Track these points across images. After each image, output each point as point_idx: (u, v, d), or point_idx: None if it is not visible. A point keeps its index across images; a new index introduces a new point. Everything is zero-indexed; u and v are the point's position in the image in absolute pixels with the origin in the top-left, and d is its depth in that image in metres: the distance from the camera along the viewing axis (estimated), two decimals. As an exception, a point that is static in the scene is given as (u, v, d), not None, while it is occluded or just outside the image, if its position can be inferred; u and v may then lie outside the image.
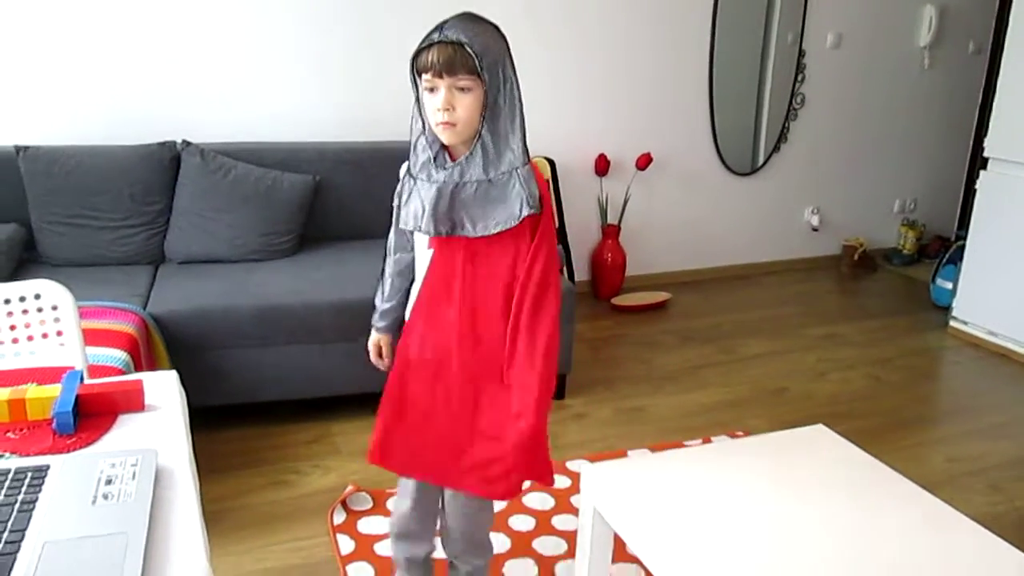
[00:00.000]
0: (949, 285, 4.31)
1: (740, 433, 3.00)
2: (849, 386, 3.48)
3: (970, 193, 4.11)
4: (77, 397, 1.22)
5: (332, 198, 3.44)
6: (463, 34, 1.47)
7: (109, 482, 1.03)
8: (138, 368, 2.41)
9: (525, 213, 1.52)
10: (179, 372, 2.58)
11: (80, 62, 3.33)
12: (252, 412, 2.96)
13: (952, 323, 4.13)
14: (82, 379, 1.28)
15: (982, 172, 3.98)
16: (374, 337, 1.91)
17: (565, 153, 4.16)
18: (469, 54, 1.46)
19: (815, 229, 5.08)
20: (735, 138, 4.73)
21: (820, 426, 1.97)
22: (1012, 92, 3.82)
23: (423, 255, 1.68)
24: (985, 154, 3.95)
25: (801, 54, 4.73)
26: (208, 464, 2.56)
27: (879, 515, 1.61)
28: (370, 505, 2.49)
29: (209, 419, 2.81)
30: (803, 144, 4.90)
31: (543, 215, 1.56)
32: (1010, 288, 3.84)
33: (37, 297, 1.67)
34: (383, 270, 1.86)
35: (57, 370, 1.58)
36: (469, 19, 1.52)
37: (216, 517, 2.38)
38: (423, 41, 1.51)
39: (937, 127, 5.31)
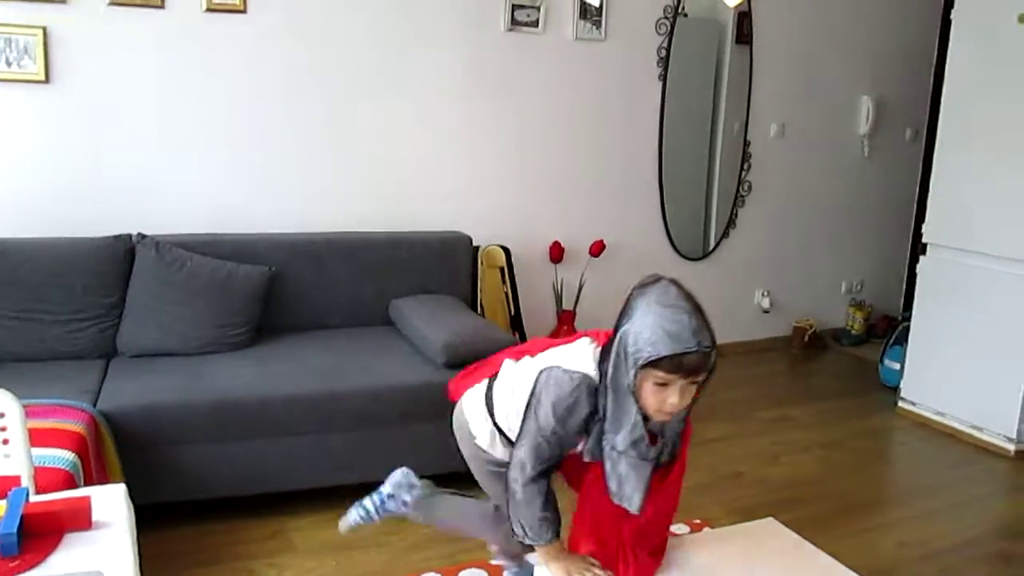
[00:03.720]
0: (897, 366, 4.41)
1: (697, 522, 3.01)
2: (801, 469, 3.53)
3: (913, 274, 4.25)
4: (22, 517, 1.20)
5: (288, 289, 3.45)
6: (712, 338, 1.57)
7: (53, 609, 1.02)
8: (86, 468, 2.36)
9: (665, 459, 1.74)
10: (129, 469, 2.55)
11: (33, 155, 3.35)
12: (206, 508, 2.90)
13: (900, 403, 4.22)
14: (28, 496, 1.27)
15: (921, 257, 4.12)
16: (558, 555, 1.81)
17: (520, 241, 4.24)
18: (713, 359, 1.58)
19: (766, 311, 5.19)
20: (686, 224, 4.86)
21: (770, 519, 2.01)
22: (946, 180, 3.99)
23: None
24: (924, 240, 4.10)
25: (747, 143, 4.91)
26: (160, 564, 2.50)
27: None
28: (324, 606, 2.44)
29: (162, 516, 2.75)
30: (752, 229, 5.05)
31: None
32: (955, 369, 3.95)
33: (-17, 405, 1.65)
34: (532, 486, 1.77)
35: (1, 480, 1.56)
36: (708, 321, 1.61)
37: (164, 623, 2.32)
38: (691, 345, 1.54)
39: (880, 211, 5.51)
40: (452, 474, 3.04)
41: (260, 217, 3.69)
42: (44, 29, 3.26)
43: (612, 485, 1.65)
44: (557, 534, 1.80)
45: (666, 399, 1.55)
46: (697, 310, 1.59)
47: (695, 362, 1.53)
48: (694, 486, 3.32)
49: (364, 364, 3.12)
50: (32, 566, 1.16)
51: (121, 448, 2.65)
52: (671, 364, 1.52)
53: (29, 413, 1.72)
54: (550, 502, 1.78)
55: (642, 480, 1.62)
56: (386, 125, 3.90)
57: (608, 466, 1.65)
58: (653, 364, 1.53)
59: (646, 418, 1.62)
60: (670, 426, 1.70)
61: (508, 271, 4.14)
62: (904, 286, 5.70)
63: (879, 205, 5.50)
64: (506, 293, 4.15)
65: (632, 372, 1.56)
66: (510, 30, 4.09)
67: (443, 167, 4.07)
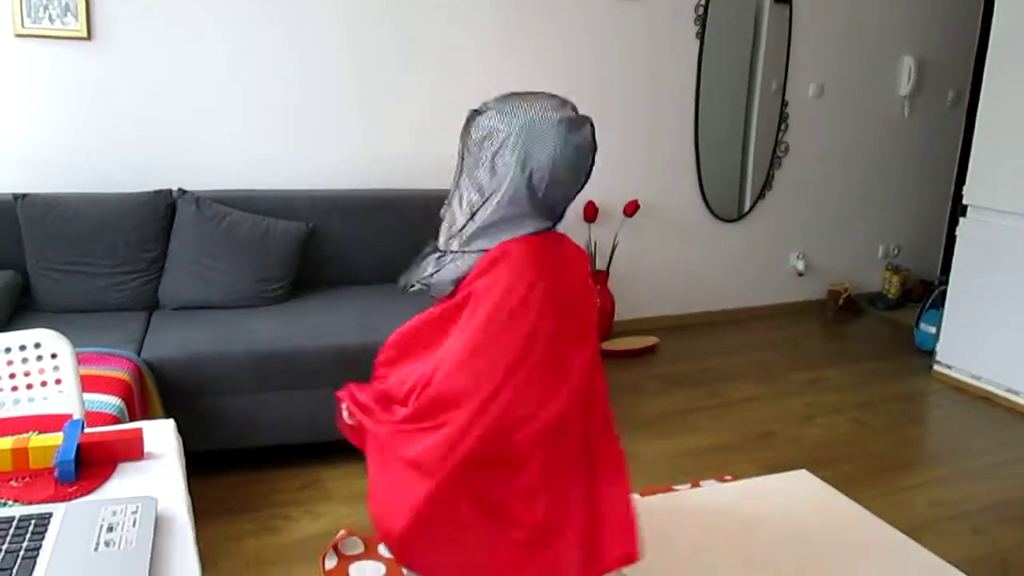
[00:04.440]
0: (932, 330, 4.38)
1: (728, 478, 3.03)
2: (834, 430, 3.53)
3: (952, 238, 4.20)
4: (79, 446, 1.26)
5: (325, 245, 3.50)
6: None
7: (110, 529, 1.07)
8: (131, 414, 2.44)
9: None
10: (172, 417, 2.62)
11: (78, 111, 3.41)
12: (244, 457, 2.98)
13: (936, 367, 4.20)
14: (83, 428, 1.32)
15: (961, 219, 4.07)
16: None
17: (554, 200, 4.23)
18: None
19: (800, 274, 5.16)
20: (721, 185, 4.83)
21: (803, 471, 2.02)
22: (989, 141, 3.92)
23: None
24: (964, 201, 4.05)
25: (784, 103, 4.85)
26: (198, 510, 2.57)
27: (859, 560, 1.65)
28: (362, 549, 2.50)
29: (200, 464, 2.83)
30: (788, 191, 5.00)
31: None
32: (992, 333, 3.91)
33: (37, 346, 1.71)
34: None
35: (56, 418, 1.62)
36: (512, 95, 1.83)
37: (207, 563, 2.39)
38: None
39: (919, 174, 5.43)
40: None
41: (298, 173, 3.73)
42: (86, -15, 3.30)
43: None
44: None
45: None
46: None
47: None
48: (724, 444, 3.34)
49: (397, 318, 3.14)
50: (89, 491, 1.21)
51: (163, 396, 2.73)
52: None
53: (78, 360, 1.78)
54: None
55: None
56: (423, 83, 3.91)
57: None
58: None
59: None
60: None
61: (542, 230, 4.14)
62: (942, 251, 5.62)
63: (919, 168, 5.42)
64: (539, 252, 4.16)
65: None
66: (546, -13, 4.06)
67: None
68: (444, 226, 1.74)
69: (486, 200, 1.67)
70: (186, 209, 3.27)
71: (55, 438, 1.28)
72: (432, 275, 1.74)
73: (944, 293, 4.25)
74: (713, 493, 1.89)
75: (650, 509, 1.86)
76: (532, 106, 1.63)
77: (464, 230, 1.70)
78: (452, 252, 1.70)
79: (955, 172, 5.50)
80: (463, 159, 1.68)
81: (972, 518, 2.85)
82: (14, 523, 1.08)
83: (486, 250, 1.68)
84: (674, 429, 3.47)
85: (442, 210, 1.74)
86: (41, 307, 3.11)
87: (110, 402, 2.36)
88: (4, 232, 3.13)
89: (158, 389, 2.72)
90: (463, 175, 1.68)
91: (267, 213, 3.39)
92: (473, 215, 1.69)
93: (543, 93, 1.68)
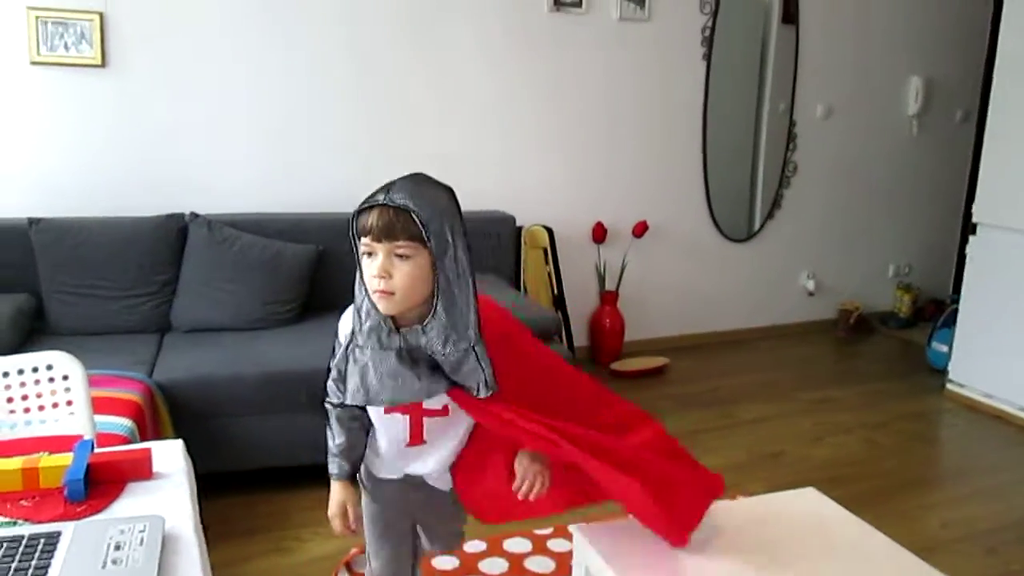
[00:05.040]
0: (945, 348, 4.36)
1: (739, 497, 3.02)
2: (845, 450, 3.51)
3: (963, 257, 4.19)
4: (88, 465, 1.27)
5: (334, 268, 3.52)
6: (410, 198, 1.36)
7: (118, 548, 1.08)
8: (143, 435, 2.46)
9: (482, 395, 1.46)
10: (182, 438, 2.63)
11: (92, 137, 3.46)
12: (255, 478, 2.99)
13: (948, 386, 4.17)
14: (92, 448, 1.34)
15: (972, 237, 4.07)
16: (336, 492, 1.73)
17: (563, 221, 4.26)
18: (413, 220, 1.36)
19: (811, 294, 5.15)
20: (730, 205, 4.84)
21: (811, 489, 2.01)
22: (997, 159, 3.93)
23: (384, 417, 1.61)
24: (974, 220, 4.05)
25: (792, 124, 4.87)
26: (210, 531, 2.58)
27: (867, 578, 1.64)
28: (370, 571, 2.50)
29: (212, 485, 2.83)
30: (797, 210, 5.01)
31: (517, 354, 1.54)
32: (1005, 351, 3.89)
33: (49, 368, 1.74)
34: (328, 410, 1.71)
35: (67, 439, 1.64)
36: (420, 180, 1.43)
37: (217, 584, 2.40)
38: (365, 201, 1.39)
39: (928, 193, 5.43)
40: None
41: (308, 197, 3.77)
42: (101, 15, 3.36)
43: (352, 383, 1.49)
44: (343, 477, 1.73)
45: (370, 271, 1.39)
46: (416, 178, 1.43)
47: (379, 219, 1.36)
48: (733, 464, 3.33)
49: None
50: (97, 510, 1.22)
51: (174, 418, 2.75)
52: (361, 223, 1.38)
53: (89, 382, 1.81)
54: (344, 442, 1.70)
55: (386, 366, 1.45)
56: (428, 107, 3.95)
57: (351, 367, 1.50)
58: (357, 230, 1.41)
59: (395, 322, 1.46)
60: (448, 343, 1.44)
61: (551, 251, 4.17)
62: (954, 271, 5.60)
63: (928, 187, 5.41)
64: (549, 273, 4.18)
65: (355, 250, 1.45)
66: (554, 11, 4.10)
67: (487, 148, 4.11)
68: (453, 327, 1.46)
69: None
70: (198, 233, 3.31)
71: (65, 458, 1.30)
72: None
73: (956, 311, 4.23)
74: (720, 511, 1.88)
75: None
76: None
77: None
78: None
79: (964, 190, 5.49)
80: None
81: (986, 538, 2.83)
82: (23, 542, 1.09)
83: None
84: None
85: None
86: (55, 330, 3.14)
87: (121, 423, 2.38)
88: (19, 256, 3.17)
89: (169, 410, 2.74)
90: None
91: (278, 236, 3.42)
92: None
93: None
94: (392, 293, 1.39)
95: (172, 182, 3.57)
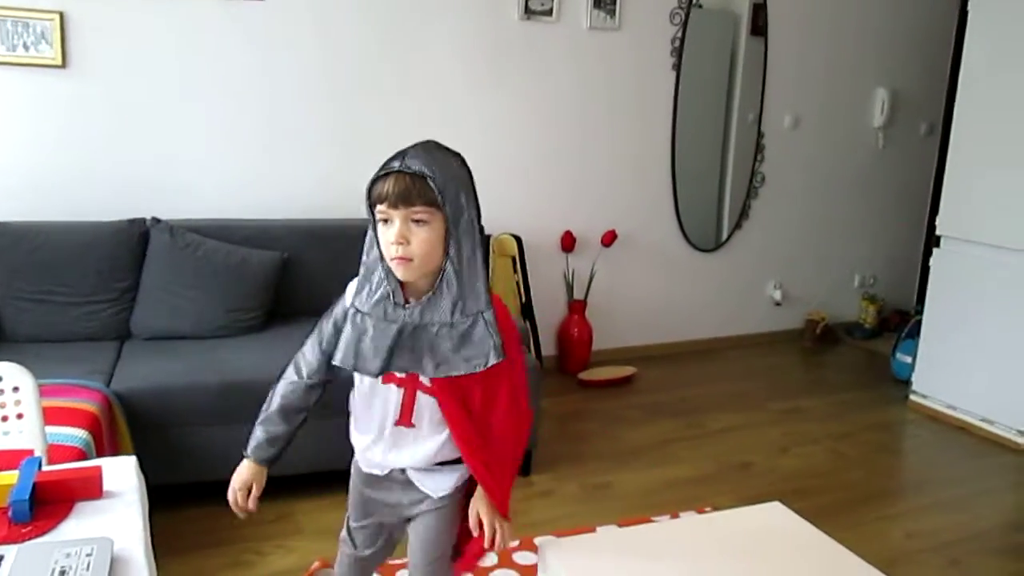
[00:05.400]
0: (909, 359, 4.40)
1: (708, 509, 3.01)
2: (811, 460, 3.52)
3: (927, 268, 4.23)
4: (34, 485, 1.22)
5: (300, 275, 3.47)
6: (425, 164, 1.39)
7: (63, 572, 1.04)
8: (99, 447, 2.40)
9: (491, 363, 1.45)
10: (141, 449, 2.58)
11: (51, 139, 3.38)
12: (214, 490, 2.92)
13: (912, 397, 4.21)
14: (40, 466, 1.29)
15: (935, 250, 4.11)
16: (246, 471, 1.73)
17: (531, 230, 4.25)
18: (429, 186, 1.38)
19: (778, 304, 5.18)
20: (698, 215, 4.86)
21: (777, 503, 2.01)
22: (961, 172, 3.97)
23: (372, 388, 1.61)
24: (937, 232, 4.09)
25: (760, 135, 4.89)
26: (168, 544, 2.52)
27: (833, 595, 1.64)
28: (333, 585, 2.46)
29: (171, 497, 2.77)
30: (765, 221, 5.04)
31: (511, 353, 1.50)
32: (967, 362, 3.93)
33: (-1, 379, 1.68)
34: (279, 391, 1.71)
35: (15, 454, 1.59)
36: (433, 148, 1.46)
37: (174, 600, 2.35)
38: (381, 169, 1.42)
39: (894, 204, 5.48)
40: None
41: (273, 202, 3.71)
42: (61, 14, 3.28)
43: (344, 345, 1.50)
44: (260, 460, 1.73)
45: (387, 237, 1.42)
46: (428, 145, 1.45)
47: (395, 185, 1.39)
48: (701, 476, 3.33)
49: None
50: (43, 532, 1.18)
51: (133, 428, 2.68)
52: (378, 191, 1.41)
53: (44, 392, 1.75)
54: (277, 420, 1.70)
55: (384, 340, 1.46)
56: (397, 113, 3.91)
57: (348, 330, 1.51)
58: (372, 198, 1.44)
59: (403, 287, 1.48)
60: (457, 308, 1.46)
61: (520, 260, 4.15)
62: (918, 281, 5.66)
63: (893, 198, 5.47)
64: (517, 282, 4.16)
65: (368, 212, 1.47)
66: (524, 19, 4.09)
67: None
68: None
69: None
70: (159, 238, 3.24)
71: (10, 476, 1.25)
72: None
73: (920, 323, 4.27)
74: (688, 525, 1.87)
75: (626, 540, 1.84)
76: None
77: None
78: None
79: (928, 202, 5.56)
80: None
81: (950, 550, 2.84)
82: (-37, 566, 1.04)
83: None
84: (653, 460, 3.45)
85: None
86: (10, 337, 3.06)
87: (76, 435, 2.31)
88: (-27, 261, 3.08)
89: (127, 421, 2.68)
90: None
91: (242, 242, 3.36)
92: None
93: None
94: (410, 259, 1.41)
95: (134, 186, 3.50)
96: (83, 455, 2.23)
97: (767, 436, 3.76)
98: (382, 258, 1.46)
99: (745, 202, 4.95)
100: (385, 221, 1.43)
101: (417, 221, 1.40)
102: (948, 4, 5.28)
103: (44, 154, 3.38)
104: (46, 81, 3.33)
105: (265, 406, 1.72)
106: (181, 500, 2.85)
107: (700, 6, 4.56)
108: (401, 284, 1.48)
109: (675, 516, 2.97)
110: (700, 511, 3.01)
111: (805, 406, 4.15)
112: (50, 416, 1.84)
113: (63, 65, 3.33)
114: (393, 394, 1.58)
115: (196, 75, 3.54)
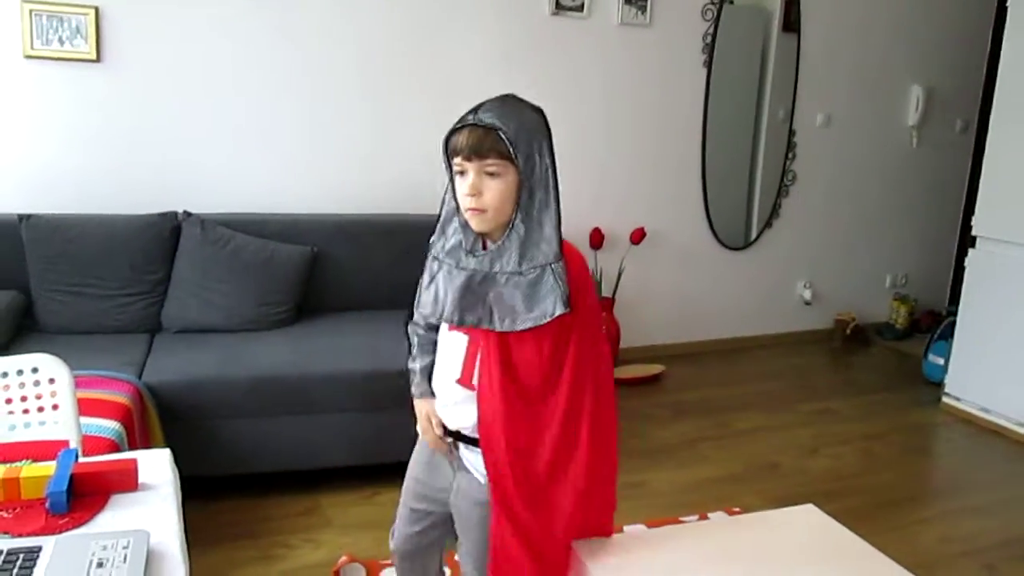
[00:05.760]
0: (941, 361, 4.33)
1: (737, 510, 2.99)
2: (842, 462, 3.48)
3: (960, 268, 4.17)
4: (71, 476, 1.23)
5: (329, 270, 3.48)
6: (498, 117, 1.43)
7: (100, 564, 1.04)
8: (131, 439, 2.41)
9: (557, 313, 1.45)
10: (172, 442, 2.60)
11: (85, 133, 3.41)
12: (244, 483, 2.95)
13: (945, 399, 4.15)
14: (76, 457, 1.29)
15: (971, 250, 4.04)
16: (422, 406, 1.74)
17: (560, 226, 4.22)
18: (501, 138, 1.42)
19: (807, 303, 5.13)
20: (728, 213, 4.81)
21: (810, 506, 1.98)
22: (998, 171, 3.90)
23: (446, 336, 1.64)
24: (973, 232, 4.02)
25: (792, 132, 4.84)
26: (198, 536, 2.53)
27: (869, 600, 1.61)
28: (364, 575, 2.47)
29: (200, 489, 2.79)
30: (795, 219, 4.98)
31: (581, 309, 1.50)
32: (1002, 365, 3.87)
33: (35, 371, 1.69)
34: (409, 332, 1.78)
35: (51, 444, 1.59)
36: (508, 101, 1.50)
37: (204, 592, 2.36)
38: (457, 122, 1.47)
39: (927, 204, 5.41)
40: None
41: (304, 197, 3.72)
42: (96, 9, 3.31)
43: (428, 297, 1.56)
44: (425, 393, 1.73)
45: (461, 189, 1.47)
46: (504, 99, 1.50)
47: (468, 138, 1.43)
48: (729, 475, 3.30)
49: (401, 345, 3.11)
50: (80, 524, 1.18)
51: (164, 420, 2.70)
52: (453, 144, 1.46)
53: (77, 383, 1.76)
54: (421, 355, 1.74)
55: (453, 286, 1.51)
56: (430, 108, 3.90)
57: (426, 277, 1.59)
58: (449, 151, 1.49)
59: (480, 237, 1.53)
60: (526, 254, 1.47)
61: (547, 257, 4.13)
62: (951, 281, 5.58)
63: (926, 198, 5.39)
64: (545, 279, 4.14)
65: (445, 164, 1.52)
66: (555, 14, 4.07)
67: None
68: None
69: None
70: (191, 232, 3.26)
71: (47, 468, 1.25)
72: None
73: (953, 324, 4.21)
74: (719, 526, 1.85)
75: (657, 540, 1.82)
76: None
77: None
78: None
79: (963, 202, 5.47)
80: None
81: (985, 555, 2.80)
82: (2, 556, 1.05)
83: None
84: (681, 459, 3.43)
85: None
86: (44, 328, 3.09)
87: (109, 426, 2.33)
88: (8, 252, 3.11)
89: (158, 413, 2.70)
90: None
91: (272, 237, 3.38)
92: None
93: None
94: (484, 210, 1.45)
95: (165, 180, 3.52)
96: (115, 446, 2.25)
97: (796, 437, 3.72)
98: (458, 209, 1.51)
99: (776, 200, 4.90)
100: (461, 173, 1.47)
101: (490, 173, 1.44)
102: (986, 1, 5.18)
103: (78, 147, 3.41)
104: (81, 75, 3.36)
105: (409, 348, 1.78)
106: (210, 493, 2.87)
107: (732, 2, 4.52)
108: (478, 235, 1.52)
109: (704, 516, 2.95)
110: (729, 511, 2.98)
111: (835, 407, 4.10)
112: (83, 407, 1.85)
113: (98, 59, 3.36)
114: (459, 342, 1.59)
115: (227, 70, 3.56)
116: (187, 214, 3.32)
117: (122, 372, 2.70)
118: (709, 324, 4.87)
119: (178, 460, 1.39)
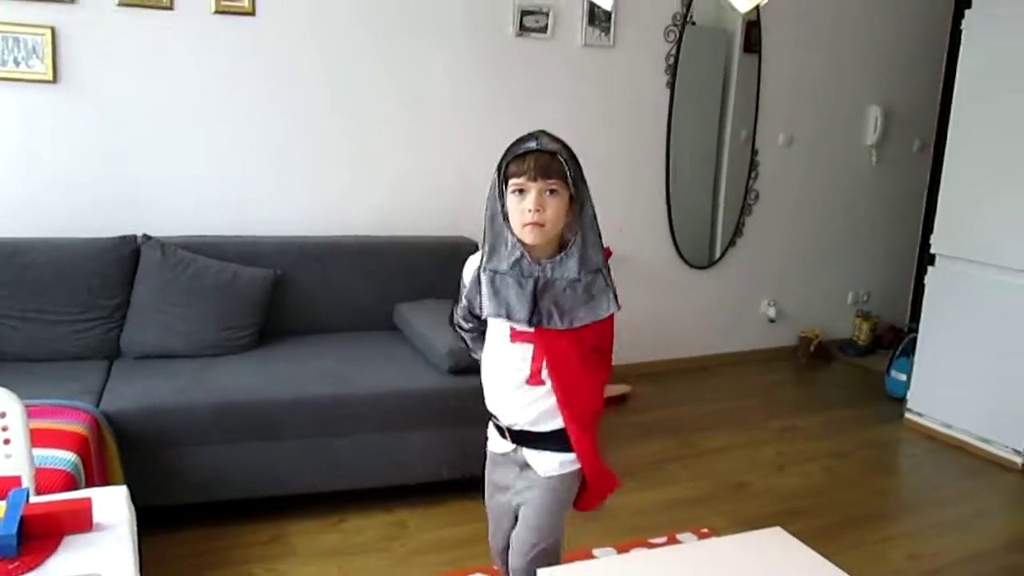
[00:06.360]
0: (903, 377, 4.39)
1: (706, 531, 2.98)
2: (808, 480, 3.50)
3: (921, 285, 4.23)
4: (22, 518, 1.19)
5: (293, 292, 3.44)
6: (555, 144, 1.71)
7: (51, 612, 1.00)
8: (88, 470, 2.35)
9: (611, 310, 1.79)
10: (131, 471, 2.54)
11: (42, 155, 3.34)
12: (206, 512, 2.88)
13: (907, 415, 4.19)
14: (28, 497, 1.25)
15: (930, 268, 4.10)
16: None
17: (526, 246, 4.21)
18: (561, 162, 1.69)
19: (772, 321, 5.17)
20: (692, 232, 4.84)
21: (777, 528, 1.97)
22: (955, 190, 3.97)
23: (508, 348, 1.83)
24: (932, 250, 4.08)
25: (754, 152, 4.89)
26: (159, 570, 2.48)
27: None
28: (325, 611, 2.42)
29: (161, 520, 2.73)
30: (758, 238, 5.03)
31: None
32: (962, 381, 3.92)
33: (-16, 404, 1.63)
34: (461, 335, 2.05)
35: (2, 481, 1.54)
36: (549, 133, 1.75)
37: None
38: (518, 149, 1.71)
39: (887, 221, 5.49)
40: (452, 482, 3.03)
41: (265, 220, 3.68)
42: (52, 29, 3.25)
43: (492, 302, 1.75)
44: None
45: (524, 206, 1.69)
46: (548, 132, 1.76)
47: (536, 161, 1.68)
48: (698, 496, 3.30)
49: (368, 369, 3.10)
50: (31, 568, 1.14)
51: (123, 450, 2.63)
52: (517, 165, 1.70)
53: (31, 413, 1.70)
54: (475, 348, 2.03)
55: (525, 294, 1.73)
56: (391, 130, 3.89)
57: (487, 290, 1.75)
58: (508, 174, 1.71)
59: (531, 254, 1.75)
60: (572, 262, 1.76)
61: (514, 277, 4.12)
62: (911, 298, 5.66)
63: (887, 216, 5.48)
64: (511, 299, 4.13)
65: (498, 190, 1.74)
66: (519, 35, 4.08)
67: (447, 172, 4.05)
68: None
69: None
70: (150, 255, 3.20)
71: (-3, 509, 1.21)
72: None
73: (914, 340, 4.26)
74: (687, 551, 1.85)
75: (628, 569, 1.81)
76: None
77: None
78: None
79: (922, 220, 5.56)
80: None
81: (950, 571, 2.82)
82: (-53, 606, 1.01)
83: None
84: (649, 480, 3.42)
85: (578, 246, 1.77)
86: (-3, 356, 3.01)
87: (65, 458, 2.26)
88: (-40, 278, 3.03)
89: (117, 442, 2.63)
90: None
91: (234, 259, 3.33)
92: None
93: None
94: (543, 224, 1.70)
95: (124, 202, 3.46)
96: (71, 478, 2.18)
97: (763, 455, 3.73)
98: (506, 226, 1.73)
99: (739, 219, 4.95)
100: (520, 192, 1.70)
101: (551, 192, 1.70)
102: (940, 22, 5.30)
103: (34, 170, 3.34)
104: (37, 96, 3.30)
105: (465, 343, 2.07)
106: (172, 522, 2.81)
107: (694, 23, 4.56)
108: (526, 248, 1.73)
109: (673, 538, 2.94)
110: (699, 532, 2.98)
111: (800, 424, 4.13)
112: (37, 438, 1.79)
113: (54, 80, 3.30)
114: (526, 350, 1.80)
115: (187, 91, 3.51)
116: (147, 237, 3.26)
117: (79, 400, 2.63)
118: (675, 343, 4.88)
119: (137, 490, 1.35)
